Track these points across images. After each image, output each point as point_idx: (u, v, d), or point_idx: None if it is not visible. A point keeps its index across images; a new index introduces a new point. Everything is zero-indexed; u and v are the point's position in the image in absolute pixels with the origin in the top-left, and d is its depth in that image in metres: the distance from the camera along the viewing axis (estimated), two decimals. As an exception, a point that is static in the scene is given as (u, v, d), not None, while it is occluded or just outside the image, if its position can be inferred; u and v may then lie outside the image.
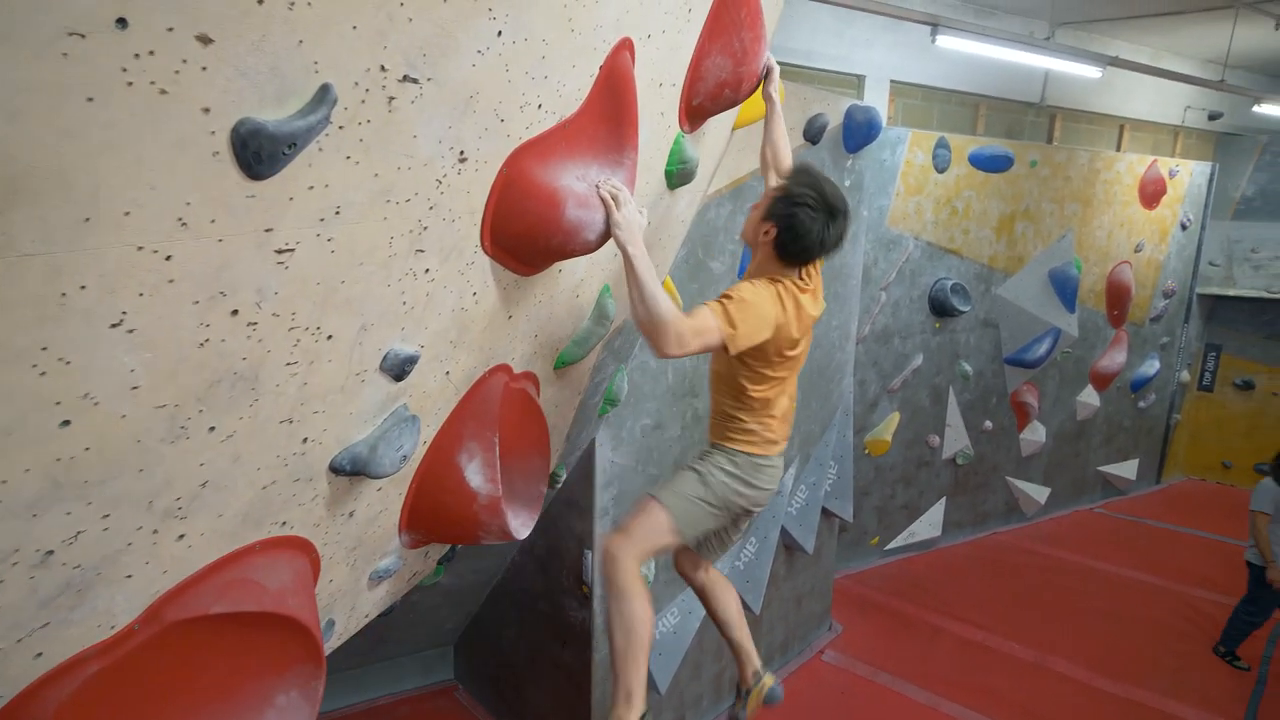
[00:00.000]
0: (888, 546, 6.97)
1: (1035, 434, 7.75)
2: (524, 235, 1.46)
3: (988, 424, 7.34)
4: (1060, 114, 8.48)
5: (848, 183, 4.84)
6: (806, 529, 4.95)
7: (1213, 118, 9.89)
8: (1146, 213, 8.24)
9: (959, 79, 7.36)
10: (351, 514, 1.58)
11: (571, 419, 2.80)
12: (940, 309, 6.64)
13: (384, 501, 1.69)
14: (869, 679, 5.11)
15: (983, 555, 7.23)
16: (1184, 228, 8.75)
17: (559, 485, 3.31)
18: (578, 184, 1.47)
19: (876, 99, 6.53)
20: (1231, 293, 9.27)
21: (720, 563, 4.41)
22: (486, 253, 1.50)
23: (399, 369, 1.43)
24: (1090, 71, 6.22)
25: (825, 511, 5.25)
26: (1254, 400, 9.37)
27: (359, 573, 1.83)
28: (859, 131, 4.68)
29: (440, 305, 1.45)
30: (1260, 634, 5.63)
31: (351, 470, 1.44)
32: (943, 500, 7.26)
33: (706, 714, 4.53)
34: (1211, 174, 8.92)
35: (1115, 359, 8.25)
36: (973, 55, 6.15)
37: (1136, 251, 8.26)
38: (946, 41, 5.09)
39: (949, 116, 7.51)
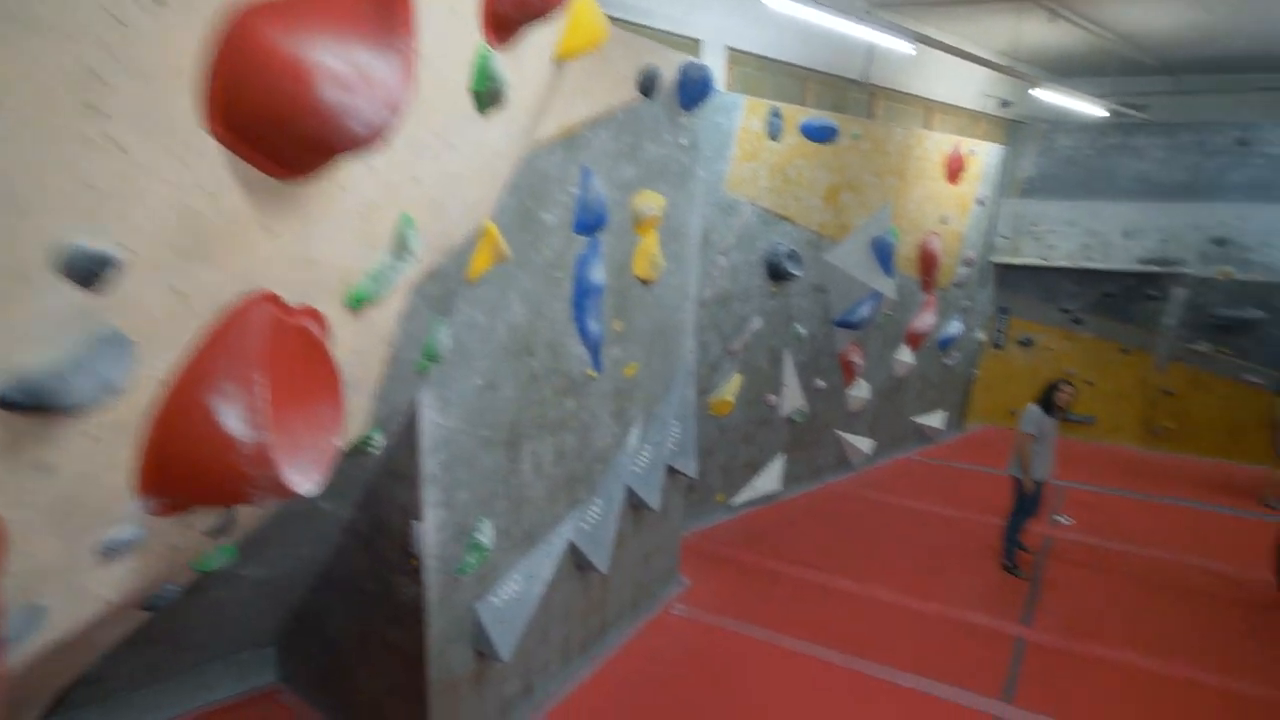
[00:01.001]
0: (733, 502, 7.25)
1: (861, 391, 8.38)
2: (265, 117, 1.22)
3: (820, 383, 7.82)
4: (880, 92, 9.13)
5: (684, 141, 4.86)
6: (652, 487, 4.99)
7: (1004, 105, 11.12)
8: (950, 188, 9.11)
9: (791, 52, 7.67)
10: (49, 468, 1.25)
11: (380, 374, 2.54)
12: (776, 273, 6.93)
13: (102, 453, 1.35)
14: (715, 626, 5.29)
15: (818, 505, 7.74)
16: (980, 204, 9.79)
17: (374, 451, 3.03)
18: (335, 61, 1.25)
19: (713, 65, 6.62)
20: (1017, 261, 10.53)
21: (565, 524, 4.34)
22: (217, 137, 1.24)
23: (85, 271, 1.12)
24: (904, 47, 6.68)
25: (671, 470, 5.32)
26: (1033, 355, 10.76)
27: (76, 545, 1.48)
28: (694, 88, 4.70)
29: (150, 197, 1.15)
30: (1035, 548, 6.51)
31: (27, 403, 1.12)
32: (781, 456, 7.66)
33: (555, 679, 4.45)
34: (1002, 156, 10.03)
35: (926, 320, 9.09)
36: (804, 28, 6.39)
37: (942, 223, 9.11)
38: (775, 3, 5.22)
39: (781, 87, 7.82)
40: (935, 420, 9.91)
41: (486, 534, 3.72)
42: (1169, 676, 4.88)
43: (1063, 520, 7.48)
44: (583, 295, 4.11)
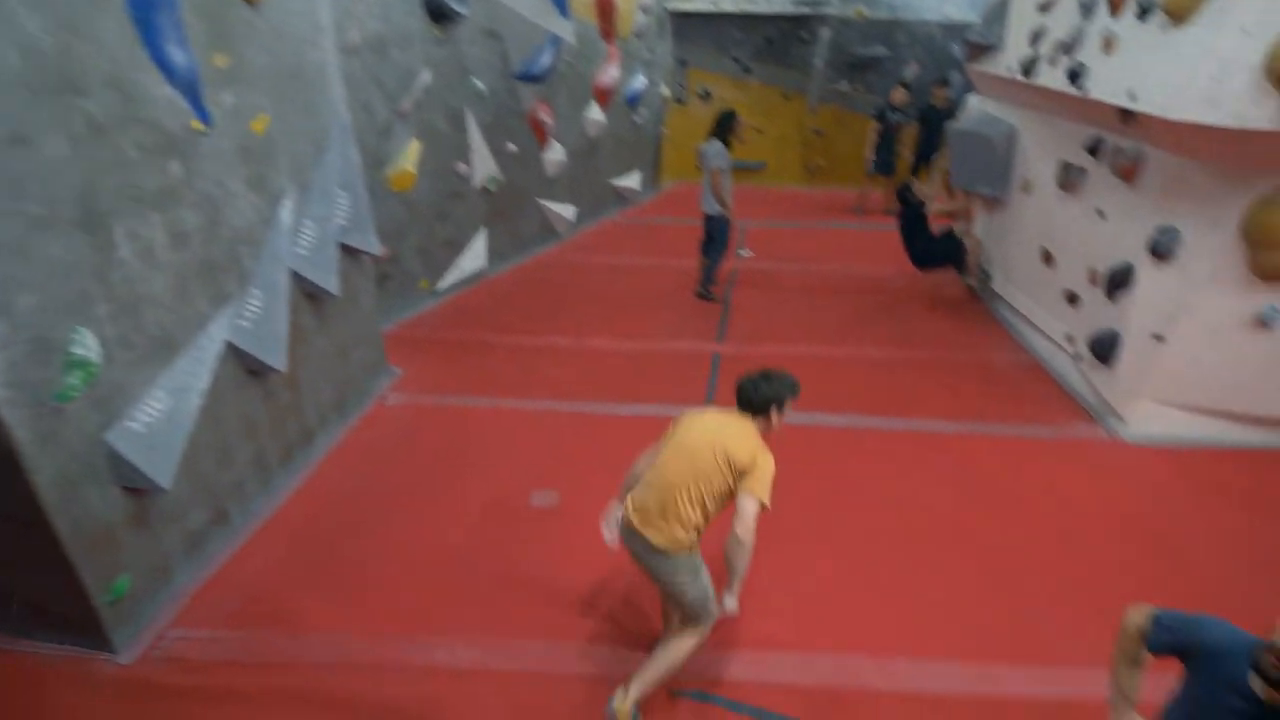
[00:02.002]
0: (439, 287, 6.77)
1: (556, 153, 8.04)
2: None
3: (511, 146, 7.28)
4: None
5: None
6: (325, 270, 4.26)
7: None
8: (618, -79, 8.41)
9: None
10: None
11: None
12: (437, 11, 5.92)
13: None
14: (435, 405, 5.05)
15: (527, 276, 7.60)
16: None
17: None
18: None
19: None
20: (690, 8, 10.49)
21: (215, 324, 3.53)
22: None
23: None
24: None
25: (348, 249, 4.59)
26: (713, 108, 11.24)
27: None
28: None
29: None
30: (723, 279, 7.22)
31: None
32: (483, 230, 7.22)
33: (254, 498, 3.91)
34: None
35: (610, 73, 8.80)
36: None
37: (615, -36, 8.52)
38: None
39: None
40: (632, 181, 10.10)
41: (89, 346, 2.83)
42: (833, 356, 5.87)
43: (745, 253, 8.33)
44: (146, 7, 2.95)
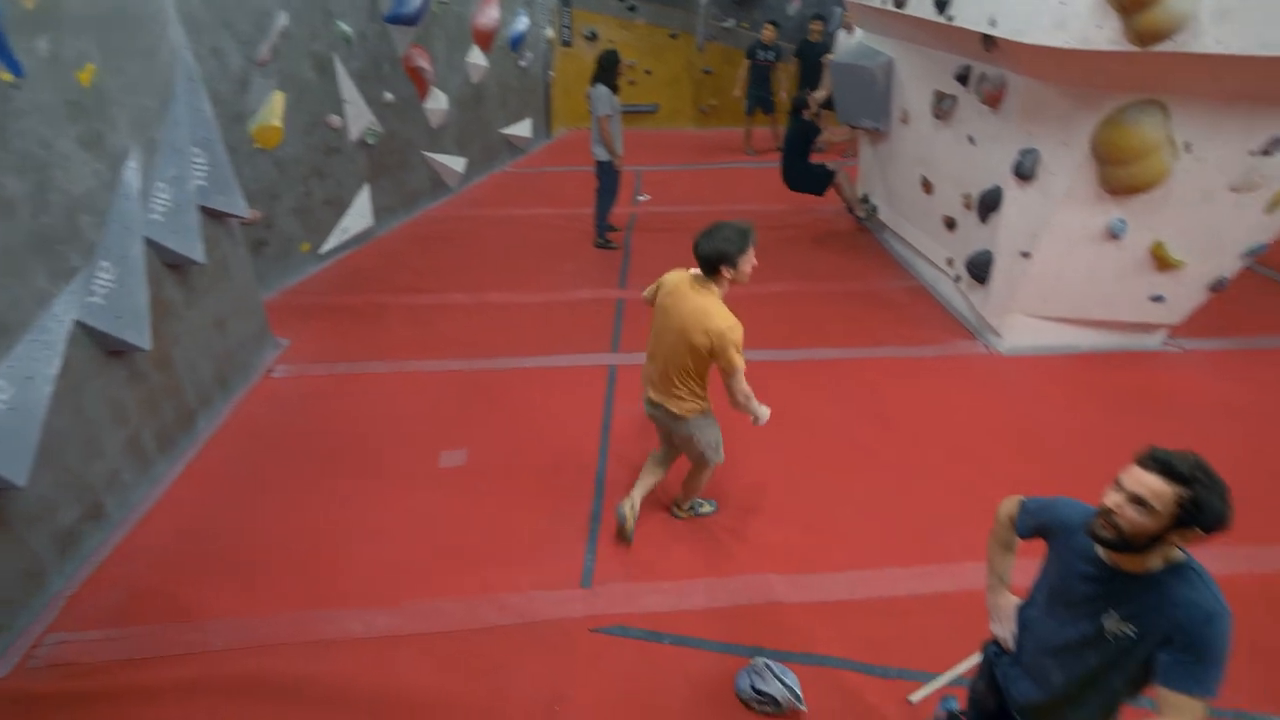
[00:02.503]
0: (323, 249, 6.37)
1: (438, 102, 7.63)
2: None
3: (388, 95, 6.84)
4: None
5: None
6: (185, 235, 3.90)
7: None
8: None
9: None
10: None
11: None
12: (286, -55, 5.39)
13: None
14: (327, 374, 4.81)
15: (419, 232, 7.27)
16: None
17: None
18: None
19: None
20: (570, -56, 10.06)
21: (59, 302, 3.18)
22: None
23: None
24: None
25: (211, 213, 4.22)
26: (600, 50, 10.95)
27: None
28: None
29: None
30: (622, 225, 7.16)
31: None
32: (366, 187, 6.81)
33: (133, 488, 3.63)
34: None
35: (490, 15, 8.36)
36: None
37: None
38: None
39: None
40: (523, 129, 9.76)
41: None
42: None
43: (642, 198, 8.28)
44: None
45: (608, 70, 6.18)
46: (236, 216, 4.44)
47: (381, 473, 3.91)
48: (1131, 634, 1.60)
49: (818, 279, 6.29)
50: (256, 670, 2.84)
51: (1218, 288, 4.88)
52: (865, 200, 7.27)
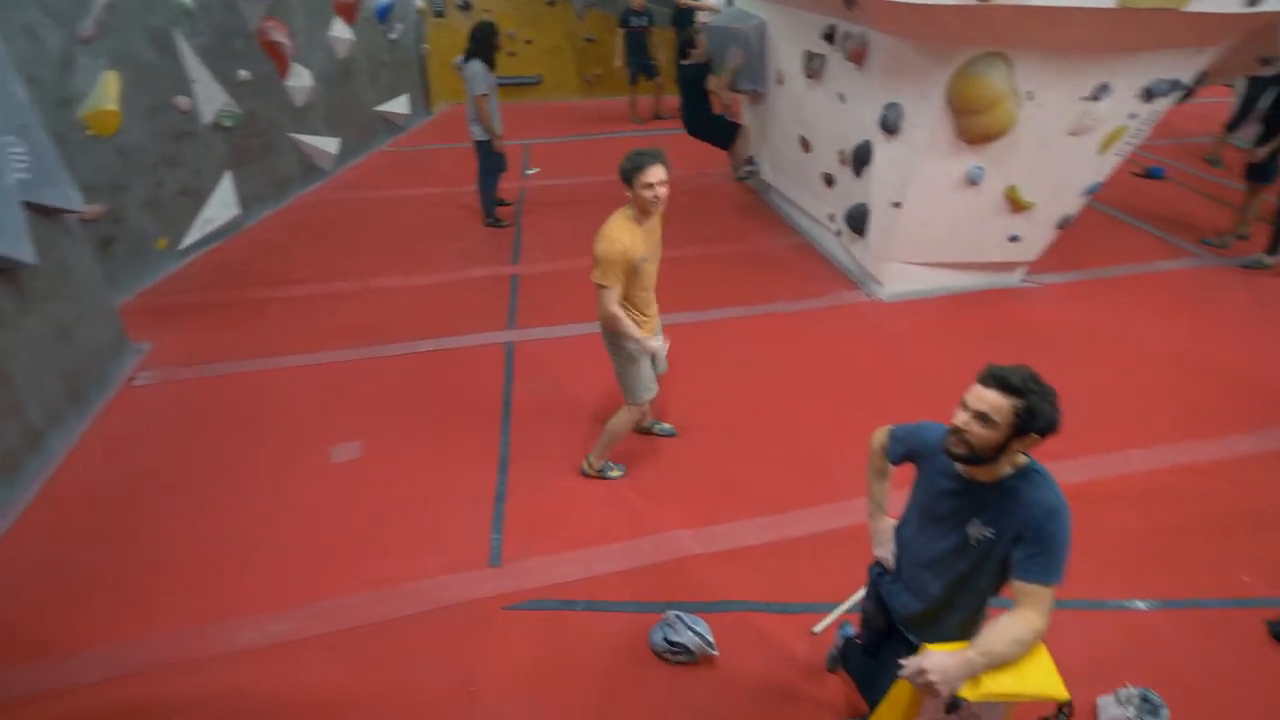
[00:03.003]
0: (183, 245, 5.88)
1: (301, 79, 7.15)
2: None
3: (243, 73, 6.34)
4: None
5: None
6: (9, 235, 3.50)
7: None
8: None
9: None
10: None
11: None
12: (103, -93, 4.85)
13: None
14: (198, 378, 4.48)
15: (294, 219, 6.84)
16: None
17: None
18: None
19: None
20: (432, -92, 9.57)
21: None
22: None
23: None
24: None
25: (39, 209, 3.80)
26: (475, 19, 10.54)
27: None
28: None
29: None
30: (513, 200, 7.02)
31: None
32: (228, 175, 6.32)
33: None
34: None
35: (351, -16, 7.88)
36: None
37: None
38: None
39: None
40: (400, 106, 9.32)
41: None
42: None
43: (531, 172, 8.11)
44: None
45: (483, 44, 5.84)
46: (72, 211, 4.02)
47: (266, 474, 3.70)
48: (991, 536, 1.75)
49: (709, 242, 6.39)
50: (140, 698, 2.65)
51: (1064, 225, 5.32)
52: (750, 161, 7.42)
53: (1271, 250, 5.86)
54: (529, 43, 10.81)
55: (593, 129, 9.83)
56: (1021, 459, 1.74)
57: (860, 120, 5.09)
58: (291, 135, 7.18)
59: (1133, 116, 4.71)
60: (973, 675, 1.61)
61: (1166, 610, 3.01)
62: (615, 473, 3.68)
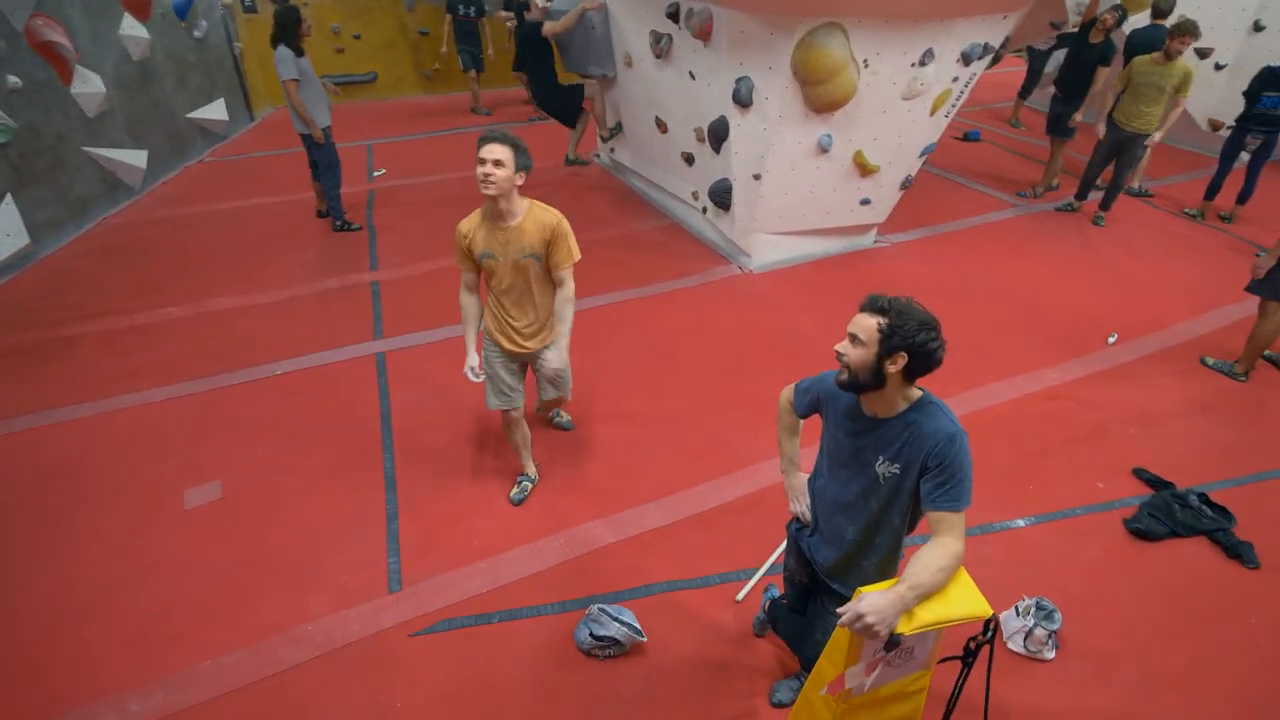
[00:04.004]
0: (-41, 285, 4.96)
1: (89, 85, 6.22)
2: None
3: (12, 79, 5.42)
4: None
5: None
6: None
7: None
8: None
9: None
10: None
11: None
12: None
13: None
14: (4, 434, 3.77)
15: (100, 244, 5.98)
16: None
17: None
18: None
19: None
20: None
21: None
22: None
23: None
24: None
25: None
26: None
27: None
28: None
29: None
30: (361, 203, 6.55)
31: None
32: (8, 199, 5.39)
33: None
34: None
35: (138, -25, 6.96)
36: None
37: None
38: None
39: None
40: (216, 111, 8.40)
41: None
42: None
43: (378, 173, 7.61)
44: None
45: (286, 29, 5.41)
46: None
47: (107, 534, 3.18)
48: (897, 471, 1.80)
49: (579, 230, 6.24)
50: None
51: (906, 186, 5.71)
52: (613, 131, 7.24)
53: (1080, 195, 6.63)
54: (357, 38, 10.14)
55: (437, 125, 9.39)
56: (915, 393, 1.81)
57: (713, 96, 5.17)
58: (87, 149, 6.25)
59: (955, 80, 5.11)
60: (906, 610, 1.63)
61: (1041, 524, 3.29)
62: (527, 483, 3.45)
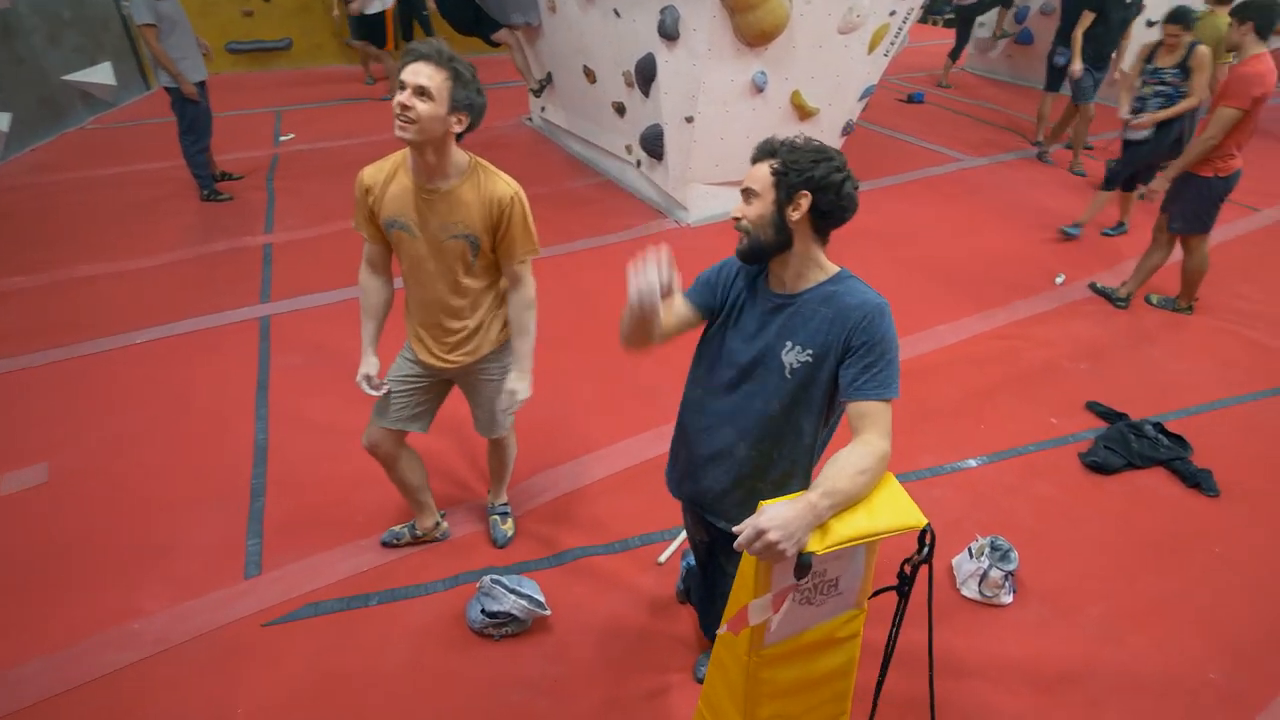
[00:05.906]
0: None
1: (-66, 32, 5.49)
2: None
3: None
4: None
5: None
6: None
7: None
8: None
9: None
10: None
11: None
12: None
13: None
14: None
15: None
16: None
17: None
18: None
19: None
20: None
21: None
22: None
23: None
24: None
25: None
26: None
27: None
28: None
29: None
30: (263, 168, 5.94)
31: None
32: None
33: None
34: None
35: (-4, -86, 6.20)
36: None
37: None
38: None
39: None
40: (101, 76, 7.62)
41: None
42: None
43: (286, 138, 7.00)
44: None
45: None
46: None
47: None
48: (809, 359, 1.46)
49: (500, 190, 5.79)
50: None
51: (847, 132, 5.40)
52: (543, 83, 6.71)
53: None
54: (266, 1, 9.41)
55: (351, 93, 8.75)
56: (830, 266, 1.51)
57: (638, 33, 4.76)
58: (-67, 108, 5.51)
59: (893, 14, 4.80)
60: (819, 523, 1.25)
61: (994, 463, 2.99)
62: (407, 532, 2.58)
